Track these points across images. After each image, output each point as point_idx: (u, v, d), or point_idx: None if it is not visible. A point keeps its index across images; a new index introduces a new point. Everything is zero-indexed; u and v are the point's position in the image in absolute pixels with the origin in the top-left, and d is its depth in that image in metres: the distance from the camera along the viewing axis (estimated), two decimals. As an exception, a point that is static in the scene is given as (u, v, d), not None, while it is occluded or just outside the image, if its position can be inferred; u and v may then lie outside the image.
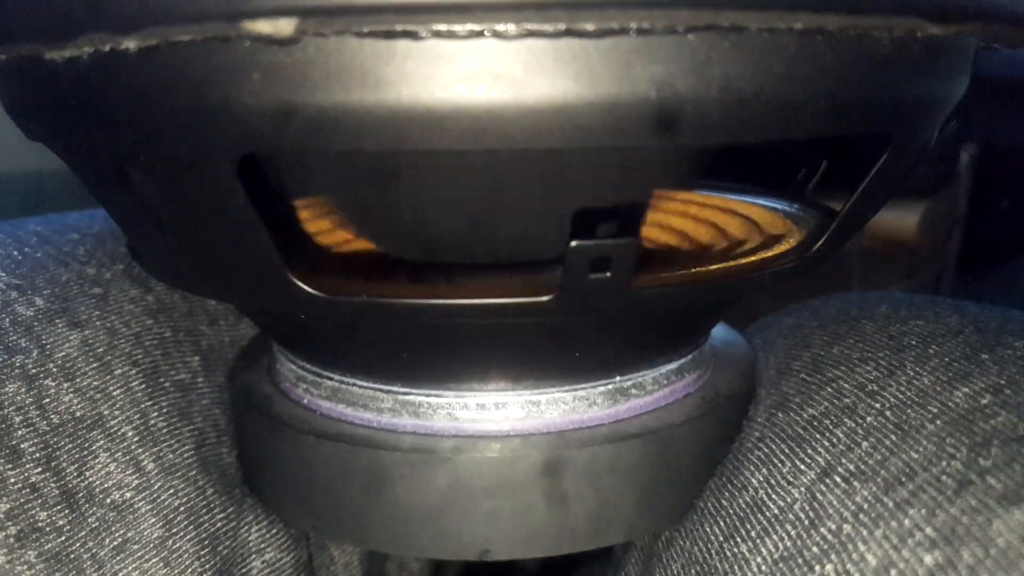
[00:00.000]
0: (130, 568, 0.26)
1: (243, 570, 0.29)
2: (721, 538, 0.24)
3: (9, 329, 0.27)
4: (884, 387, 0.24)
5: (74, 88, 0.17)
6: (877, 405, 0.23)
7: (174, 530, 0.27)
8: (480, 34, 0.15)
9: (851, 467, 0.22)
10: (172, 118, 0.17)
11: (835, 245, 0.23)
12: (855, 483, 0.22)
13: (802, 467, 0.23)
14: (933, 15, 0.17)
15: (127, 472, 0.27)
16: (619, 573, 0.30)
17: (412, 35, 0.15)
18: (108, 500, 0.26)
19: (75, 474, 0.26)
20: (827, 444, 0.23)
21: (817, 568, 0.21)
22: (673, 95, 0.16)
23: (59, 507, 0.25)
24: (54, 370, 0.26)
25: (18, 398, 0.25)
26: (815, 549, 0.21)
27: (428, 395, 0.24)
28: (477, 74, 0.15)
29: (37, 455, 0.25)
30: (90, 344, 0.28)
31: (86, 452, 0.26)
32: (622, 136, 0.16)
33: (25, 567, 0.24)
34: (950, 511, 0.19)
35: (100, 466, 0.26)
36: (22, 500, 0.24)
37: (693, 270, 0.23)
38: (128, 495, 0.26)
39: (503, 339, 0.23)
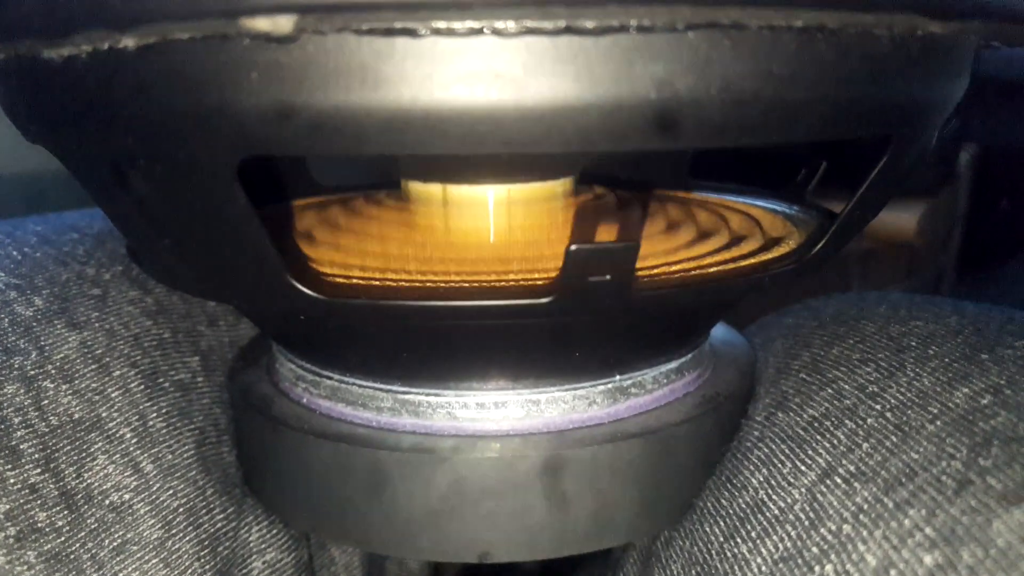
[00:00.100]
0: (129, 569, 0.26)
1: (244, 570, 0.29)
2: (721, 538, 0.24)
3: (8, 329, 0.27)
4: (884, 388, 0.24)
5: (72, 87, 0.17)
6: (877, 406, 0.23)
7: (173, 531, 0.27)
8: (480, 32, 0.15)
9: (851, 468, 0.22)
10: (170, 118, 0.17)
11: (835, 247, 0.23)
12: (855, 484, 0.22)
13: (803, 468, 0.23)
14: (933, 12, 0.17)
15: (125, 473, 0.27)
16: (618, 573, 0.30)
17: (411, 33, 0.15)
18: (107, 501, 0.26)
19: (74, 475, 0.26)
20: (828, 445, 0.23)
21: (817, 568, 0.21)
22: (673, 95, 0.16)
23: (58, 508, 0.25)
24: (53, 372, 0.26)
25: (17, 399, 0.25)
26: (815, 550, 0.21)
27: (428, 394, 0.24)
28: (477, 72, 0.15)
29: (36, 456, 0.25)
30: (89, 345, 0.28)
31: (84, 454, 0.26)
32: (622, 136, 0.16)
33: (25, 567, 0.24)
34: (950, 511, 0.19)
35: (99, 468, 0.26)
36: (22, 501, 0.24)
37: (693, 272, 0.23)
38: (127, 496, 0.26)
39: (503, 339, 0.23)
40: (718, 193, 0.34)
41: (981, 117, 0.55)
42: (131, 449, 0.27)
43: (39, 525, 0.24)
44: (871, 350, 0.26)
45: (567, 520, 0.24)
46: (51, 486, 0.25)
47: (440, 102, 0.16)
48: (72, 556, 0.25)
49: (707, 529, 0.25)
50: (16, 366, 0.26)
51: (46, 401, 0.26)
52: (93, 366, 0.27)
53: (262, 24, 0.14)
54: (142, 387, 0.28)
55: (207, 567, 0.28)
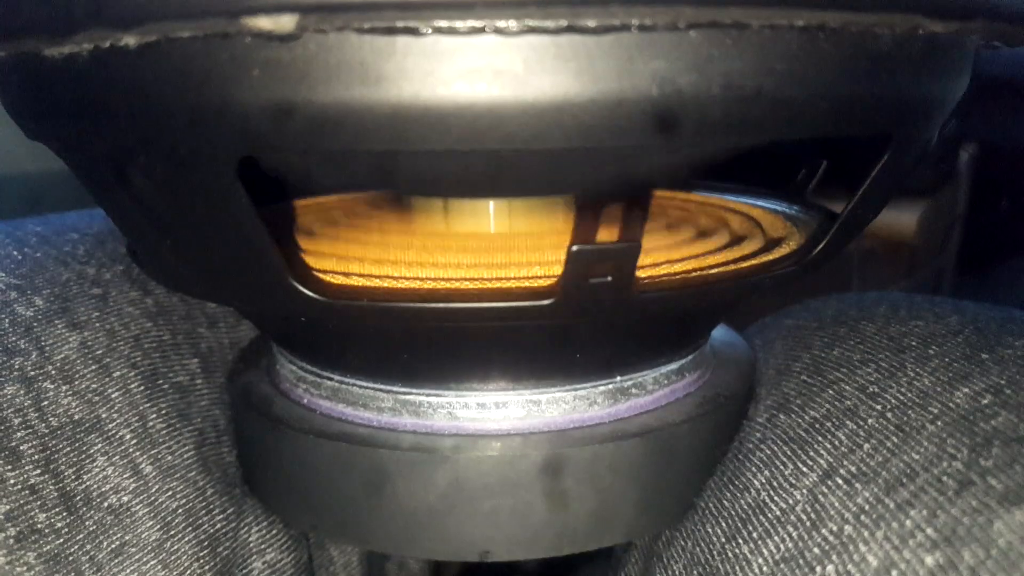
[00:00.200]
0: (128, 570, 0.26)
1: (243, 571, 0.29)
2: (723, 539, 0.24)
3: (8, 330, 0.26)
4: (885, 388, 0.24)
5: (73, 85, 0.17)
6: (878, 407, 0.23)
7: (173, 532, 0.27)
8: (481, 30, 0.15)
9: (853, 469, 0.22)
10: (171, 116, 0.17)
11: (836, 247, 0.23)
12: (857, 484, 0.22)
13: (804, 469, 0.23)
14: (934, 12, 0.17)
15: (125, 475, 0.27)
16: (619, 573, 0.30)
17: (413, 31, 0.15)
18: (106, 503, 0.26)
19: (73, 477, 0.26)
20: (829, 446, 0.23)
21: (818, 569, 0.21)
22: (675, 92, 0.16)
23: (58, 509, 0.25)
24: (53, 372, 0.26)
25: (17, 400, 0.25)
26: (816, 550, 0.21)
27: (428, 394, 0.24)
28: (478, 71, 0.15)
29: (36, 457, 0.25)
30: (89, 346, 0.28)
31: (84, 455, 0.26)
32: (624, 135, 0.16)
33: (24, 568, 0.24)
34: (951, 512, 0.19)
35: (98, 469, 0.26)
36: (21, 502, 0.24)
37: (694, 273, 0.23)
38: (126, 498, 0.26)
39: (504, 340, 0.23)
40: (718, 193, 0.34)
41: (981, 117, 0.55)
42: (131, 450, 0.27)
43: (39, 526, 0.24)
44: (871, 351, 0.26)
45: (567, 519, 0.24)
46: (51, 487, 0.25)
47: (441, 98, 0.16)
48: (71, 557, 0.25)
49: (709, 530, 0.25)
50: (16, 367, 0.26)
51: (46, 402, 0.26)
52: (93, 367, 0.27)
53: (264, 23, 0.14)
54: (142, 388, 0.28)
55: (206, 568, 0.28)
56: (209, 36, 0.15)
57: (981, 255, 0.61)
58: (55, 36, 0.16)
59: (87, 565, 0.25)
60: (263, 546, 0.30)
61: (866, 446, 0.23)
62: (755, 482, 0.24)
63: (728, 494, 0.25)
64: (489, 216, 0.26)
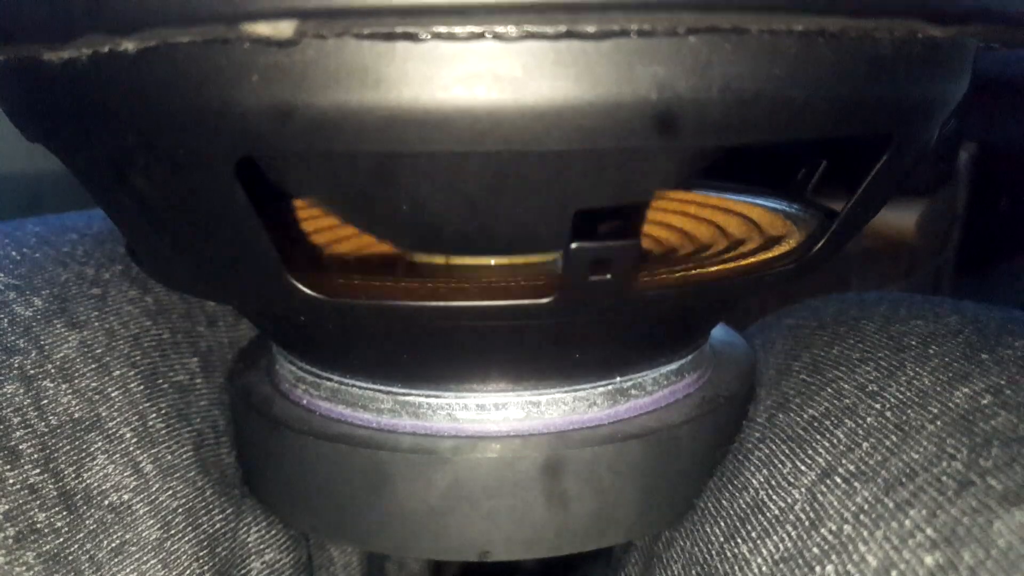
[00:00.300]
0: (128, 570, 0.26)
1: (242, 571, 0.29)
2: (722, 539, 0.24)
3: (8, 329, 0.26)
4: (884, 388, 0.24)
5: (72, 90, 0.17)
6: (877, 406, 0.23)
7: (172, 531, 0.27)
8: (480, 36, 0.15)
9: (852, 468, 0.22)
10: (171, 120, 0.17)
11: (836, 246, 0.23)
12: (856, 484, 0.22)
13: (803, 468, 0.23)
14: (933, 16, 0.17)
15: (125, 474, 0.27)
16: (619, 573, 0.30)
17: (412, 37, 0.15)
18: (106, 502, 0.26)
19: (73, 475, 0.26)
20: (828, 445, 0.23)
21: (818, 569, 0.21)
22: (674, 97, 0.16)
23: (57, 508, 0.25)
24: (52, 371, 0.26)
25: (16, 399, 0.25)
26: (816, 550, 0.21)
27: (428, 396, 0.24)
28: (477, 75, 0.15)
29: (36, 456, 0.25)
30: (88, 345, 0.28)
31: (84, 454, 0.26)
32: (623, 138, 0.16)
33: (24, 568, 0.24)
34: (951, 512, 0.19)
35: (98, 468, 0.26)
36: (21, 501, 0.24)
37: (693, 271, 0.23)
38: (126, 497, 0.26)
39: (503, 340, 0.23)
40: (718, 192, 0.34)
41: (980, 117, 0.55)
42: (131, 449, 0.27)
43: (38, 526, 0.24)
44: (871, 350, 0.26)
45: (567, 519, 0.24)
46: (50, 486, 0.25)
47: (440, 102, 0.16)
48: (71, 557, 0.25)
49: (708, 529, 0.25)
50: (16, 366, 0.26)
51: (46, 401, 0.26)
52: (93, 366, 0.27)
53: (263, 29, 0.14)
54: (142, 387, 0.28)
55: (206, 568, 0.28)
56: (208, 42, 0.15)
57: (980, 255, 0.61)
58: (54, 41, 0.16)
59: (87, 564, 0.25)
60: (262, 546, 0.30)
61: (865, 445, 0.23)
62: (754, 481, 0.24)
63: (727, 493, 0.25)
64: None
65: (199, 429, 0.29)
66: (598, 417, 0.24)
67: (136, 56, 0.16)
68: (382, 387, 0.24)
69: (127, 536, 0.26)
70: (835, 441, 0.23)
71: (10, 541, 0.24)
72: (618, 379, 0.25)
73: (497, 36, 0.15)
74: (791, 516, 0.22)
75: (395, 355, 0.24)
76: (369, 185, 0.22)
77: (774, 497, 0.23)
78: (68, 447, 0.26)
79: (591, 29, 0.15)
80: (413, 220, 0.23)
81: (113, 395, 0.27)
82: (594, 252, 0.18)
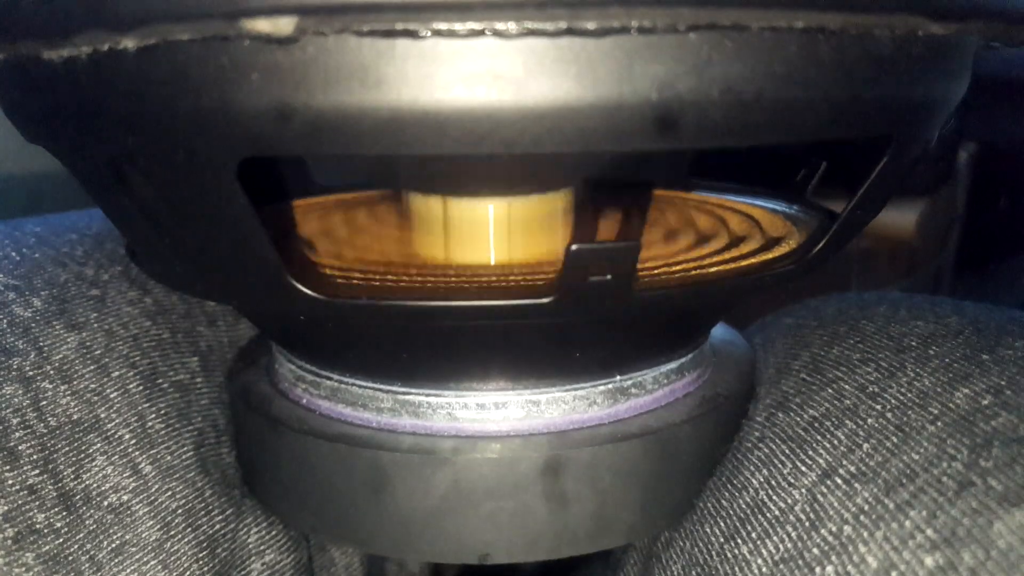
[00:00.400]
0: (128, 570, 0.26)
1: (242, 572, 0.29)
2: (721, 539, 0.24)
3: (7, 330, 0.26)
4: (885, 388, 0.24)
5: (71, 88, 0.17)
6: (878, 407, 0.23)
7: (172, 532, 0.27)
8: (481, 33, 0.15)
9: (852, 468, 0.22)
10: (171, 119, 0.17)
11: (836, 247, 0.23)
12: (856, 485, 0.22)
13: (803, 468, 0.23)
14: (934, 13, 0.17)
15: (124, 475, 0.27)
16: (618, 574, 0.30)
17: (412, 34, 0.15)
18: (105, 503, 0.26)
19: (72, 476, 0.25)
20: (828, 446, 0.23)
21: (818, 570, 0.21)
22: (674, 95, 0.16)
23: (57, 509, 0.25)
24: (51, 372, 0.26)
25: (15, 400, 0.25)
26: (816, 551, 0.21)
27: (428, 395, 0.24)
28: (477, 74, 0.15)
29: (35, 457, 0.25)
30: (88, 346, 0.28)
31: (83, 455, 0.26)
32: (623, 137, 0.16)
33: (23, 569, 0.24)
34: (951, 513, 0.19)
35: (97, 469, 0.26)
36: (20, 502, 0.24)
37: (693, 272, 0.23)
38: (125, 498, 0.26)
39: (503, 340, 0.23)
40: (718, 193, 0.34)
41: (980, 116, 0.55)
42: (130, 450, 0.27)
43: (37, 526, 0.24)
44: (871, 350, 0.26)
45: (567, 521, 0.24)
46: (50, 487, 0.25)
47: (440, 102, 0.16)
48: (70, 558, 0.25)
49: (707, 530, 0.25)
50: (15, 367, 0.26)
51: (45, 402, 0.26)
52: (92, 367, 0.27)
53: (263, 26, 0.14)
54: (141, 388, 0.28)
55: (205, 568, 0.28)
56: (208, 39, 0.15)
57: (980, 254, 0.61)
58: (53, 39, 0.16)
59: (87, 565, 0.25)
60: (262, 547, 0.30)
61: (865, 446, 0.23)
62: (753, 481, 0.24)
63: (727, 493, 0.25)
64: (488, 219, 0.26)
65: (199, 429, 0.29)
66: (598, 416, 0.24)
67: (136, 54, 0.16)
68: (382, 386, 0.24)
69: (127, 537, 0.26)
70: (836, 442, 0.23)
71: (9, 542, 0.24)
72: (618, 378, 0.25)
73: (497, 33, 0.15)
74: (791, 517, 0.22)
75: (395, 354, 0.24)
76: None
77: (774, 497, 0.23)
78: (67, 448, 0.26)
79: (591, 26, 0.15)
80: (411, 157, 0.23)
81: (112, 396, 0.27)
82: (594, 253, 0.18)
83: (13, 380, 0.26)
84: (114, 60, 0.16)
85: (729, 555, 0.23)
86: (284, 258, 0.19)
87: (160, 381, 0.29)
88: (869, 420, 0.23)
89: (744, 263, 0.24)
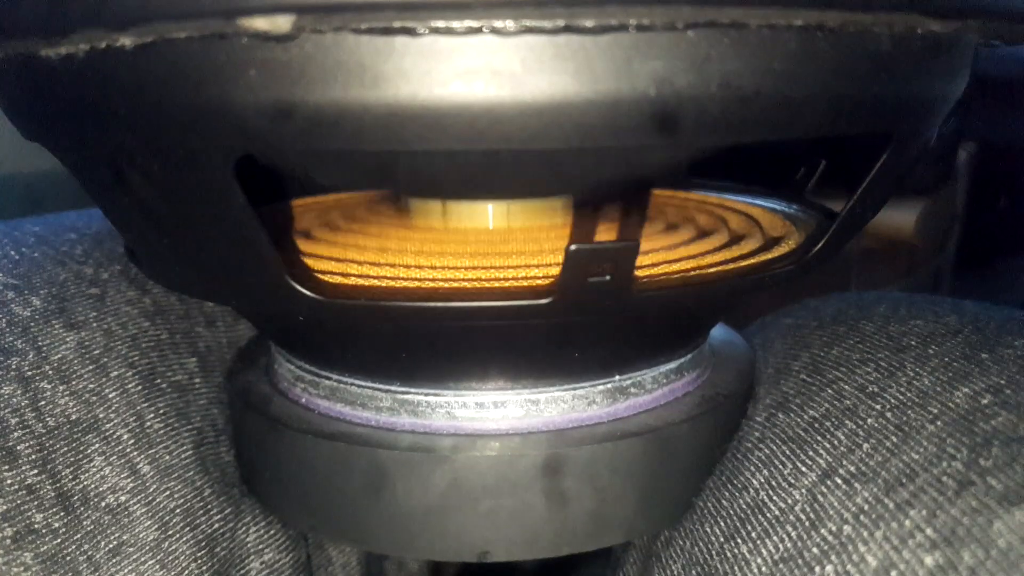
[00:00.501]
0: (126, 570, 0.26)
1: (241, 571, 0.29)
2: (721, 539, 0.24)
3: (6, 330, 0.26)
4: (884, 388, 0.24)
5: (69, 86, 0.17)
6: (877, 406, 0.23)
7: (170, 532, 0.27)
8: (479, 31, 0.15)
9: (852, 468, 0.22)
10: (168, 116, 0.17)
11: (836, 246, 0.23)
12: (856, 484, 0.22)
13: (803, 469, 0.23)
14: (933, 11, 0.17)
15: (122, 475, 0.27)
16: (618, 573, 0.30)
17: (410, 32, 0.15)
18: (103, 503, 0.26)
19: (71, 477, 0.25)
20: (828, 446, 0.23)
21: (817, 569, 0.21)
22: (673, 93, 0.16)
23: (55, 509, 0.25)
24: (50, 372, 0.26)
25: (14, 400, 0.25)
26: (815, 550, 0.21)
27: (427, 394, 0.24)
28: (475, 71, 0.15)
29: (33, 457, 0.25)
30: (86, 346, 0.28)
31: (81, 455, 0.26)
32: (622, 135, 0.16)
33: (21, 568, 0.24)
34: (951, 512, 0.19)
35: (95, 469, 0.26)
36: (19, 502, 0.24)
37: (693, 271, 0.23)
38: (123, 498, 0.26)
39: (502, 339, 0.23)
40: (717, 192, 0.34)
41: (979, 116, 0.55)
42: (128, 450, 0.27)
43: (36, 526, 0.24)
44: (871, 350, 0.26)
45: (566, 519, 0.24)
46: (48, 487, 0.25)
47: (438, 98, 0.16)
48: (68, 558, 0.25)
49: (707, 529, 0.25)
50: (13, 366, 0.26)
51: (43, 402, 0.26)
52: (91, 367, 0.27)
53: (260, 24, 0.14)
54: (140, 388, 0.28)
55: (204, 568, 0.28)
56: (205, 37, 0.15)
57: (980, 254, 0.61)
58: (51, 37, 0.16)
59: (85, 565, 0.25)
60: (261, 546, 0.30)
61: (865, 446, 0.23)
62: (754, 481, 0.24)
63: (727, 493, 0.25)
64: (487, 217, 0.26)
65: (198, 428, 0.29)
66: (597, 415, 0.24)
67: (133, 52, 0.16)
68: (381, 385, 0.24)
69: (125, 537, 0.26)
70: (836, 442, 0.23)
71: (8, 542, 0.24)
72: (617, 377, 0.25)
73: (495, 31, 0.15)
74: (791, 516, 0.22)
75: (394, 354, 0.24)
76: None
77: (774, 497, 0.23)
78: (66, 448, 0.26)
79: (589, 24, 0.15)
80: (411, 165, 0.23)
81: (111, 396, 0.27)
82: (593, 253, 0.18)
83: (12, 380, 0.26)
84: (112, 58, 0.16)
85: (729, 554, 0.23)
86: (283, 258, 0.19)
87: (159, 381, 0.29)
88: (869, 420, 0.23)
89: (743, 263, 0.24)
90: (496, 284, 0.22)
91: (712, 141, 0.17)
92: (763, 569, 0.22)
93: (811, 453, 0.23)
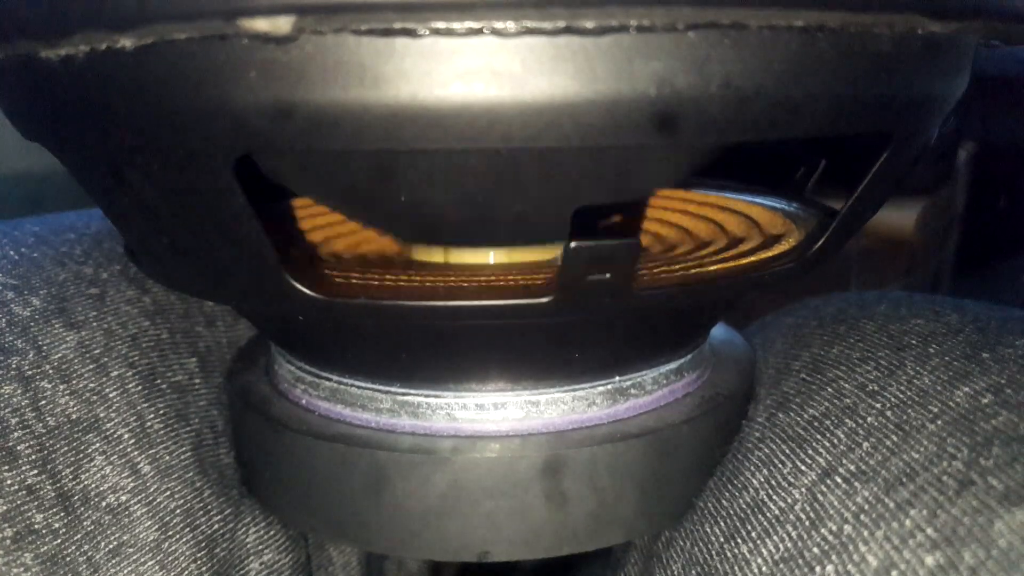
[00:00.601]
0: (126, 571, 0.26)
1: (241, 572, 0.29)
2: (721, 539, 0.24)
3: (5, 330, 0.26)
4: (884, 387, 0.24)
5: (70, 87, 0.17)
6: (878, 405, 0.23)
7: (170, 532, 0.27)
8: (479, 32, 0.15)
9: (852, 468, 0.22)
10: (169, 117, 0.17)
11: (835, 245, 0.23)
12: (856, 484, 0.22)
13: (803, 468, 0.23)
14: (933, 12, 0.17)
15: (123, 475, 0.27)
16: (618, 573, 0.30)
17: (410, 33, 0.15)
18: (104, 503, 0.26)
19: (71, 477, 0.25)
20: (828, 445, 0.23)
21: (818, 569, 0.21)
22: (673, 93, 0.16)
23: (55, 510, 0.25)
24: (50, 372, 0.26)
25: (14, 400, 0.25)
26: (816, 550, 0.21)
27: (427, 395, 0.24)
28: (476, 72, 0.15)
29: (33, 457, 0.25)
30: (86, 346, 0.28)
31: (81, 455, 0.26)
32: (622, 135, 0.16)
33: (21, 569, 0.24)
34: (951, 512, 0.19)
35: (96, 469, 0.26)
36: (19, 502, 0.24)
37: (693, 271, 0.23)
38: (124, 498, 0.26)
39: (502, 339, 0.23)
40: (717, 191, 0.34)
41: (979, 115, 0.55)
42: (129, 450, 0.27)
43: (36, 527, 0.24)
44: (871, 349, 0.26)
45: (566, 519, 0.24)
46: (48, 487, 0.25)
47: (438, 99, 0.16)
48: (68, 558, 0.25)
49: (707, 529, 0.25)
50: (13, 366, 0.26)
51: (43, 401, 0.26)
52: (91, 366, 0.27)
53: (261, 25, 0.14)
54: (140, 387, 0.28)
55: (204, 569, 0.28)
56: (206, 38, 0.15)
57: (979, 254, 0.61)
58: (51, 38, 0.16)
59: (84, 565, 0.25)
60: (260, 547, 0.30)
61: (865, 445, 0.23)
62: (753, 481, 0.24)
63: (727, 493, 0.25)
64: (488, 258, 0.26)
65: (197, 429, 0.29)
66: (597, 416, 0.24)
67: (134, 53, 0.16)
68: (381, 387, 0.24)
69: (125, 537, 0.26)
70: (835, 441, 0.23)
71: (8, 542, 0.24)
72: (617, 378, 0.25)
73: (496, 32, 0.15)
74: (791, 516, 0.22)
75: (394, 354, 0.24)
76: (366, 179, 0.22)
77: (774, 497, 0.23)
78: (66, 448, 0.26)
79: (590, 24, 0.15)
80: (412, 212, 0.23)
81: (111, 396, 0.27)
82: (593, 251, 0.18)
83: (12, 379, 0.26)
84: (112, 59, 0.16)
85: (729, 554, 0.23)
86: (283, 258, 0.19)
87: (159, 381, 0.29)
88: (869, 419, 0.23)
89: (743, 261, 0.24)
90: (496, 283, 0.22)
91: (712, 141, 0.17)
92: (763, 569, 0.22)
93: (811, 452, 0.23)
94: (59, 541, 0.25)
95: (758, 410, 0.26)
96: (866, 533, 0.20)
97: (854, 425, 0.23)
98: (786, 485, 0.23)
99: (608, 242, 0.18)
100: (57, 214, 0.33)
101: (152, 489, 0.27)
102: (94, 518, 0.26)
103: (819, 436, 0.24)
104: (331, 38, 0.15)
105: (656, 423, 0.24)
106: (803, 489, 0.23)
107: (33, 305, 0.27)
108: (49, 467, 0.25)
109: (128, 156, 0.19)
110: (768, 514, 0.23)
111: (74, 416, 0.26)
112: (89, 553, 0.25)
